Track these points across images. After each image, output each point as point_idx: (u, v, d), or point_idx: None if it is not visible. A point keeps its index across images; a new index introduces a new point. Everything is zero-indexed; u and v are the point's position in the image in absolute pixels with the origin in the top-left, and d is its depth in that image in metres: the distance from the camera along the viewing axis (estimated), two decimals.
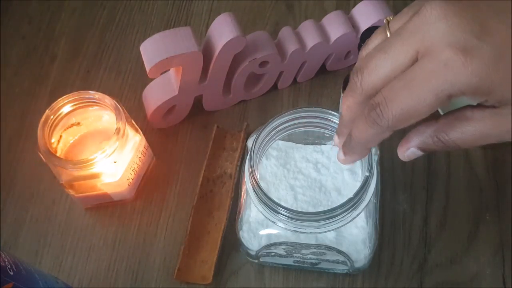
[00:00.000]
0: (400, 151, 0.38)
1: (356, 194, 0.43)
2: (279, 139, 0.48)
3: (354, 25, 0.60)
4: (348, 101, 0.37)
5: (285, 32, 0.60)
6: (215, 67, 0.57)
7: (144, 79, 0.59)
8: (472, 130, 0.34)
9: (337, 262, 0.50)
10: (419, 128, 0.36)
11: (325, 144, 0.51)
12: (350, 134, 0.38)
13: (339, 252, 0.48)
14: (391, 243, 0.56)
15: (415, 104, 0.32)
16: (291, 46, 0.59)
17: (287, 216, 0.43)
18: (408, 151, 0.37)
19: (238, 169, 0.59)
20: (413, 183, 0.58)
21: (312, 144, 0.52)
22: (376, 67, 0.34)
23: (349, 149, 0.40)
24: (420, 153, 0.37)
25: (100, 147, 0.52)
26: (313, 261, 0.51)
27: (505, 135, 0.33)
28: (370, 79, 0.34)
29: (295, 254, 0.50)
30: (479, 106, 0.33)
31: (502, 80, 0.31)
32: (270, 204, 0.43)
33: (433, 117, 0.35)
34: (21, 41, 0.69)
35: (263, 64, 0.59)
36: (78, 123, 0.56)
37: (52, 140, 0.53)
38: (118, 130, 0.51)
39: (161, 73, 0.56)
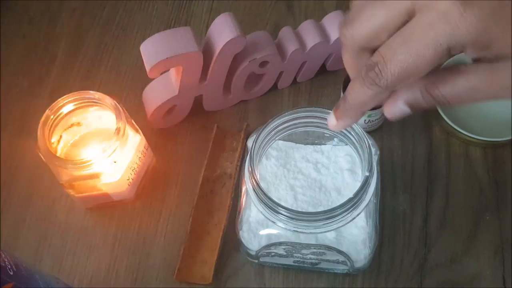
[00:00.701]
0: (386, 107, 0.36)
1: (356, 194, 0.43)
2: (279, 139, 0.48)
3: None
4: (345, 58, 0.36)
5: (285, 32, 0.60)
6: (215, 67, 0.57)
7: (144, 79, 0.59)
8: (464, 84, 0.32)
9: (337, 262, 0.50)
10: (406, 85, 0.34)
11: (325, 144, 0.51)
12: (344, 97, 0.36)
13: (339, 252, 0.48)
14: (391, 243, 0.56)
15: (415, 61, 0.31)
16: (291, 46, 0.59)
17: (287, 216, 0.43)
18: (395, 107, 0.35)
19: (238, 169, 0.59)
20: (413, 183, 0.58)
21: (312, 144, 0.52)
22: (370, 17, 0.33)
23: (343, 113, 0.37)
24: (407, 110, 0.35)
25: (100, 147, 0.52)
26: (313, 261, 0.51)
27: (498, 91, 0.32)
28: (362, 30, 0.33)
29: (295, 254, 0.50)
30: (474, 61, 0.32)
31: (502, 32, 0.30)
32: (270, 204, 0.43)
33: None
34: (21, 41, 0.69)
35: (263, 64, 0.59)
36: (78, 123, 0.56)
37: (52, 140, 0.53)
38: (118, 130, 0.51)
39: (161, 73, 0.56)
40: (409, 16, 0.31)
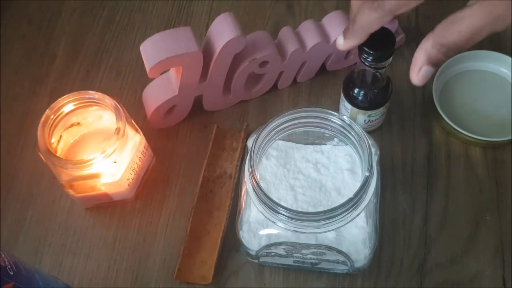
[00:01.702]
0: (413, 75, 0.42)
1: (356, 194, 0.43)
2: (279, 139, 0.49)
3: None
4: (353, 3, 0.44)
5: (285, 32, 0.60)
6: (215, 67, 0.57)
7: (144, 79, 0.59)
8: (466, 26, 0.38)
9: (337, 262, 0.50)
10: (420, 47, 0.40)
11: (325, 144, 0.51)
12: (353, 21, 0.44)
13: (339, 252, 0.48)
14: (391, 243, 0.56)
15: None
16: (291, 46, 0.59)
17: (287, 216, 0.43)
18: (420, 71, 0.41)
19: (238, 169, 0.59)
20: (413, 183, 0.58)
21: (312, 144, 0.52)
22: None
23: (351, 34, 0.46)
24: (431, 69, 0.41)
25: (100, 147, 0.52)
26: (313, 261, 0.51)
27: (496, 23, 0.37)
28: None
29: (295, 254, 0.50)
30: (467, 6, 0.38)
31: None
32: (270, 204, 0.43)
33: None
34: (21, 41, 0.69)
35: (263, 64, 0.59)
36: (78, 123, 0.56)
37: (52, 140, 0.53)
38: (118, 130, 0.51)
39: (161, 73, 0.56)
40: None
